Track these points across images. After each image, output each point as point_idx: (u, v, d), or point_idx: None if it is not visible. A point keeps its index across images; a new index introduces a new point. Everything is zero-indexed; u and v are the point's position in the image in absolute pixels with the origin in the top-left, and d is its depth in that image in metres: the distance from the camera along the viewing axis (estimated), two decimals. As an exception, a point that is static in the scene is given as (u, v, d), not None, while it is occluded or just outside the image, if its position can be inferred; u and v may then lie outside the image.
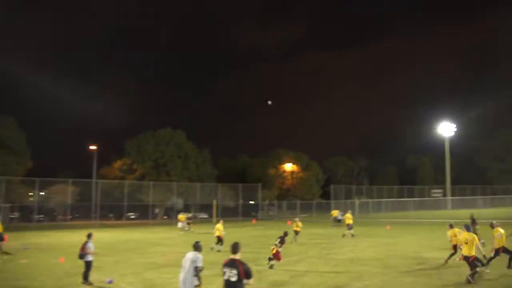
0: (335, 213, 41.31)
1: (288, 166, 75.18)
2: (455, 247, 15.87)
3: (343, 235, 27.91)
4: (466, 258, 12.16)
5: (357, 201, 62.12)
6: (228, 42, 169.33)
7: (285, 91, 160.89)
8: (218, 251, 20.36)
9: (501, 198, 71.64)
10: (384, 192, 72.96)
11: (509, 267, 13.93)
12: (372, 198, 70.36)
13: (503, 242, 13.91)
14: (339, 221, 39.58)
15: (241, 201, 60.42)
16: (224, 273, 7.03)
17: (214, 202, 52.69)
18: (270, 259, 15.62)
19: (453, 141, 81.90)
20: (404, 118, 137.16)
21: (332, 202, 61.33)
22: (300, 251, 20.37)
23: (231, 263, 7.01)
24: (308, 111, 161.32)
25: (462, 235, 12.65)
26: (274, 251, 15.69)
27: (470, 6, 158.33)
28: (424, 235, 28.45)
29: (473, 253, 12.07)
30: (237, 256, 7.09)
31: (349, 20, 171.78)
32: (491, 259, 13.94)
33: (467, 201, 65.76)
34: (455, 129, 79.40)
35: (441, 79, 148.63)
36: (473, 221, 24.97)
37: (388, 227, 36.44)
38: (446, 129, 78.64)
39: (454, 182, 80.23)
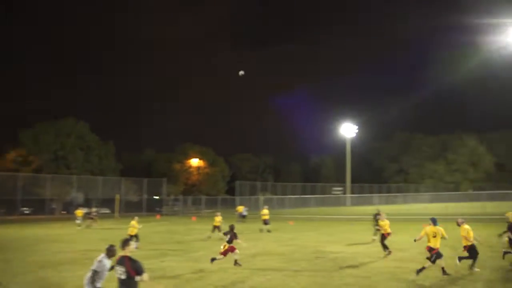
0: (241, 208, 41.73)
1: (195, 161, 74.79)
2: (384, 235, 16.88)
3: (260, 230, 28.42)
4: (430, 249, 12.57)
5: (261, 197, 63.37)
6: (136, 31, 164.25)
7: (195, 85, 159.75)
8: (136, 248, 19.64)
9: (395, 196, 77.38)
10: (288, 189, 75.13)
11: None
12: (276, 194, 72.24)
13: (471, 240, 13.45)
14: (244, 216, 40.13)
15: (145, 196, 59.17)
16: (116, 271, 6.82)
17: (117, 196, 50.94)
18: (222, 253, 14.50)
19: (354, 142, 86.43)
20: (308, 117, 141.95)
21: (238, 198, 62.01)
22: (204, 247, 20.30)
23: (120, 261, 6.82)
24: (215, 107, 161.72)
25: (429, 228, 12.70)
26: (226, 248, 14.51)
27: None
28: (324, 230, 29.62)
29: (438, 245, 12.49)
30: (126, 253, 6.90)
31: (266, 17, 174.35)
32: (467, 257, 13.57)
33: (365, 199, 70.16)
34: (356, 130, 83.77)
35: (343, 79, 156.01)
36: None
37: (292, 222, 37.53)
38: (348, 130, 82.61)
39: (353, 180, 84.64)
